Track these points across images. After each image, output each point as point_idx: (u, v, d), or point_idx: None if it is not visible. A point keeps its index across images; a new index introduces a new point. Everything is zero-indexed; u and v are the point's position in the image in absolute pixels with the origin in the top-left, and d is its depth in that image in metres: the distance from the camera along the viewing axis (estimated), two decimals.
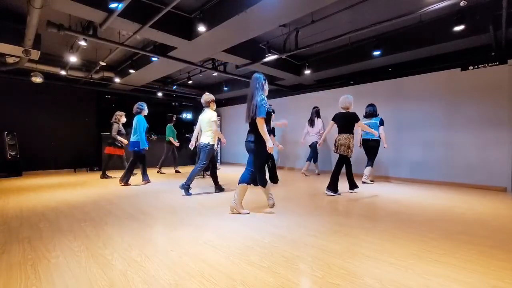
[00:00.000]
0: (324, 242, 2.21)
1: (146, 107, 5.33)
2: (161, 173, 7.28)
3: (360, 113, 5.85)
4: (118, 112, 6.24)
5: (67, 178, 6.45)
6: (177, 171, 7.51)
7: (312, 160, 6.90)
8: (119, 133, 6.12)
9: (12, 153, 6.69)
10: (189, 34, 4.87)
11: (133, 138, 5.10)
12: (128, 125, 6.25)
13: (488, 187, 5.01)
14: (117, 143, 6.12)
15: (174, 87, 9.13)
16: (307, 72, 6.66)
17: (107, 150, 6.19)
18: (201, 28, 4.35)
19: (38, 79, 6.50)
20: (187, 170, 7.78)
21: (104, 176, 6.29)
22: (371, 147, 5.43)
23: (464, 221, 2.88)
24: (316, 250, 2.06)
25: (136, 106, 5.25)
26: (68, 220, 2.85)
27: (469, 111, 5.29)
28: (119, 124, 6.17)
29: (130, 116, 5.76)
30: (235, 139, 10.26)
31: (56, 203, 3.63)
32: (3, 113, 6.94)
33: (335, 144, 4.29)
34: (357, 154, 6.04)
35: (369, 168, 5.40)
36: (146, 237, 2.34)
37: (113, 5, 3.75)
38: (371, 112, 5.50)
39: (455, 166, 5.43)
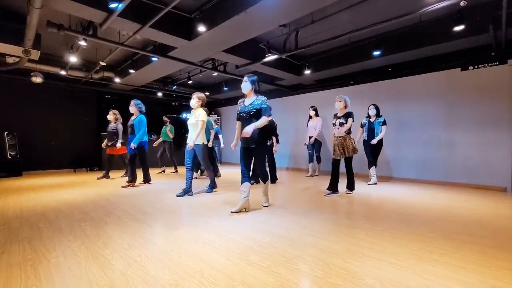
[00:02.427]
0: (324, 242, 2.21)
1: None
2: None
3: (361, 113, 5.88)
4: None
5: (67, 178, 6.45)
6: (164, 172, 7.46)
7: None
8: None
9: (12, 153, 6.70)
10: (189, 34, 4.87)
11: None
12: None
13: (488, 187, 5.01)
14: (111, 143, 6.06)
15: (174, 87, 9.13)
16: (307, 72, 6.66)
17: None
18: (201, 28, 4.35)
19: (38, 79, 6.49)
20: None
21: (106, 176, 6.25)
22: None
23: (464, 221, 2.88)
24: (316, 250, 2.06)
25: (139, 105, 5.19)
26: (68, 220, 2.85)
27: (469, 111, 5.28)
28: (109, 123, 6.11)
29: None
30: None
31: (56, 203, 3.63)
32: (3, 113, 6.95)
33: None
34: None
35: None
36: (146, 237, 2.33)
37: (113, 5, 3.75)
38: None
39: (455, 166, 5.43)
